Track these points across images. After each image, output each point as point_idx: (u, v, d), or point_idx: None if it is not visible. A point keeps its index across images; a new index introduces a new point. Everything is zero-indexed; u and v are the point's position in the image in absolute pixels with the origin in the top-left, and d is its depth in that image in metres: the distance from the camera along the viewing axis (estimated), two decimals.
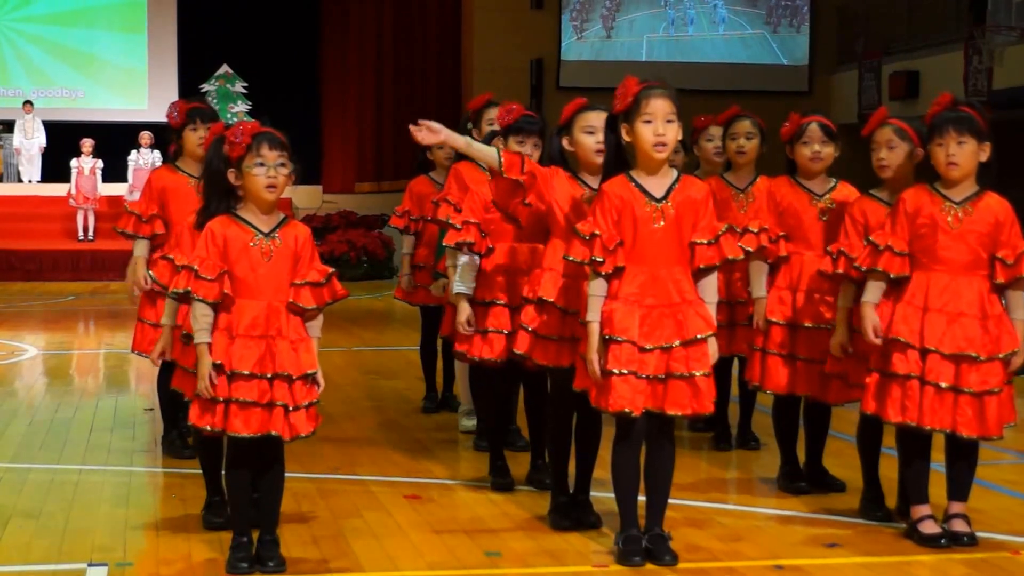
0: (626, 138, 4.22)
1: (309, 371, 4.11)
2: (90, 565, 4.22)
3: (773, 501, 5.16)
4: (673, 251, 4.19)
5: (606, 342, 4.14)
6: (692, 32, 19.56)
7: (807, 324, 4.97)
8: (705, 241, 4.20)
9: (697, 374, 4.15)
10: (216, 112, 5.74)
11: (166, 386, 5.58)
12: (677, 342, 4.14)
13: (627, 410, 4.11)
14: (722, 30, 19.54)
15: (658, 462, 4.27)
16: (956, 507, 4.49)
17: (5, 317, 12.51)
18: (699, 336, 4.16)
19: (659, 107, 4.15)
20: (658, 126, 4.15)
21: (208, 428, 4.09)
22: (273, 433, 4.08)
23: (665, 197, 4.19)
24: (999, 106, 13.89)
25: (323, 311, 4.19)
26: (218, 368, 4.07)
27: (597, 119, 4.50)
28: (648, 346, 4.13)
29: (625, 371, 4.11)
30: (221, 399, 4.06)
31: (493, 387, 5.35)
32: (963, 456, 4.48)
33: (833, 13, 19.56)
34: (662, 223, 4.17)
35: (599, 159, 4.48)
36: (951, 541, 4.44)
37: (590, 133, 4.53)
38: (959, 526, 4.46)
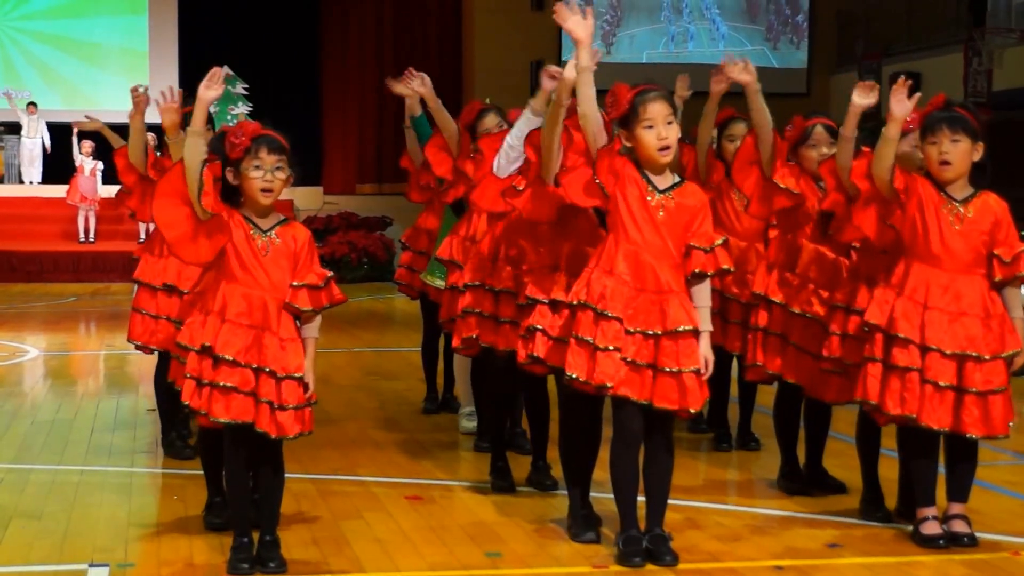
0: (626, 144, 4.22)
1: (295, 373, 4.10)
2: (91, 566, 4.23)
3: (773, 502, 5.16)
4: (667, 245, 4.22)
5: (596, 315, 4.15)
6: (692, 48, 19.58)
7: (795, 309, 4.98)
8: (702, 247, 4.23)
9: (685, 371, 4.16)
10: (211, 116, 5.76)
11: (164, 384, 5.59)
12: (659, 330, 4.16)
13: (608, 384, 4.12)
14: (722, 46, 19.57)
15: (657, 462, 4.27)
16: (956, 508, 4.50)
17: (6, 318, 12.52)
18: (681, 328, 4.17)
19: (658, 111, 4.17)
20: (660, 130, 4.18)
21: (200, 411, 4.08)
22: (257, 428, 4.07)
23: (667, 191, 4.23)
24: (999, 107, 13.94)
25: (320, 314, 4.20)
26: (206, 351, 4.08)
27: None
28: (631, 329, 4.15)
29: (610, 347, 4.13)
30: (207, 382, 4.07)
31: (495, 385, 5.32)
32: (963, 457, 4.49)
33: (832, 15, 19.59)
34: (661, 214, 4.20)
35: None
36: (951, 542, 4.44)
37: None
38: (959, 527, 4.47)
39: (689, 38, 19.57)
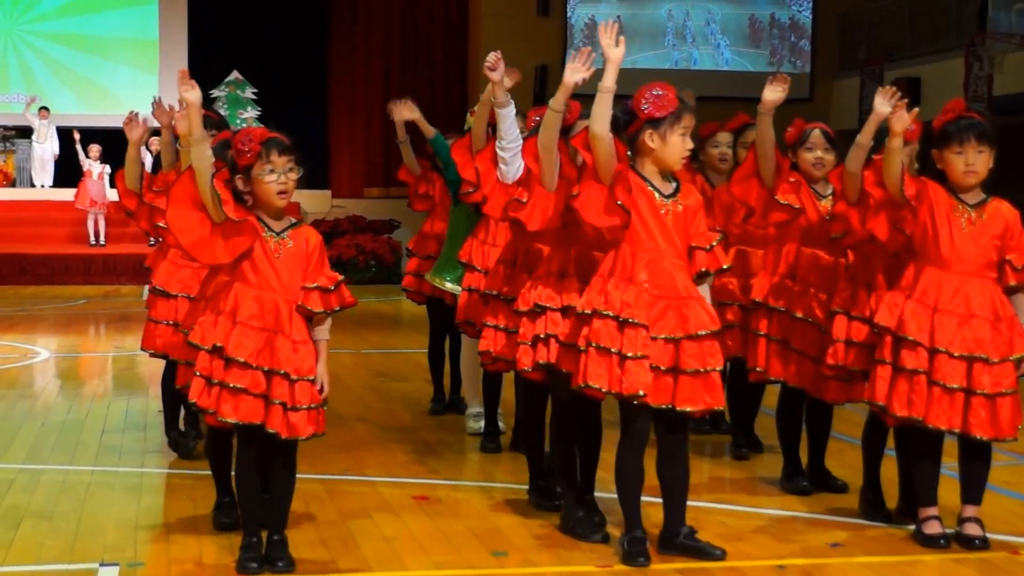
0: (650, 144, 4.26)
1: (308, 375, 4.14)
2: (102, 565, 4.27)
3: (776, 501, 5.21)
4: (676, 247, 4.28)
5: (619, 323, 4.17)
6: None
7: (798, 314, 5.03)
8: (703, 247, 4.30)
9: (710, 370, 4.21)
10: (224, 120, 5.78)
11: (170, 385, 5.66)
12: (681, 335, 4.20)
13: (641, 393, 4.15)
14: (726, 70, 19.66)
15: (677, 460, 4.32)
16: (969, 511, 4.53)
17: (18, 320, 12.59)
18: (703, 332, 4.22)
19: (692, 122, 4.28)
20: (688, 140, 4.27)
21: (208, 410, 4.11)
22: (268, 429, 4.11)
23: (672, 196, 4.29)
24: (1000, 112, 14.00)
25: (330, 316, 4.23)
26: (217, 351, 4.12)
27: None
28: (655, 335, 4.19)
29: (639, 355, 4.15)
30: (217, 381, 4.11)
31: (534, 397, 4.97)
32: (975, 459, 4.51)
33: (835, 20, 19.63)
34: (671, 220, 4.26)
35: None
36: (964, 544, 4.47)
37: None
38: (972, 530, 4.49)
39: (693, 63, 19.63)
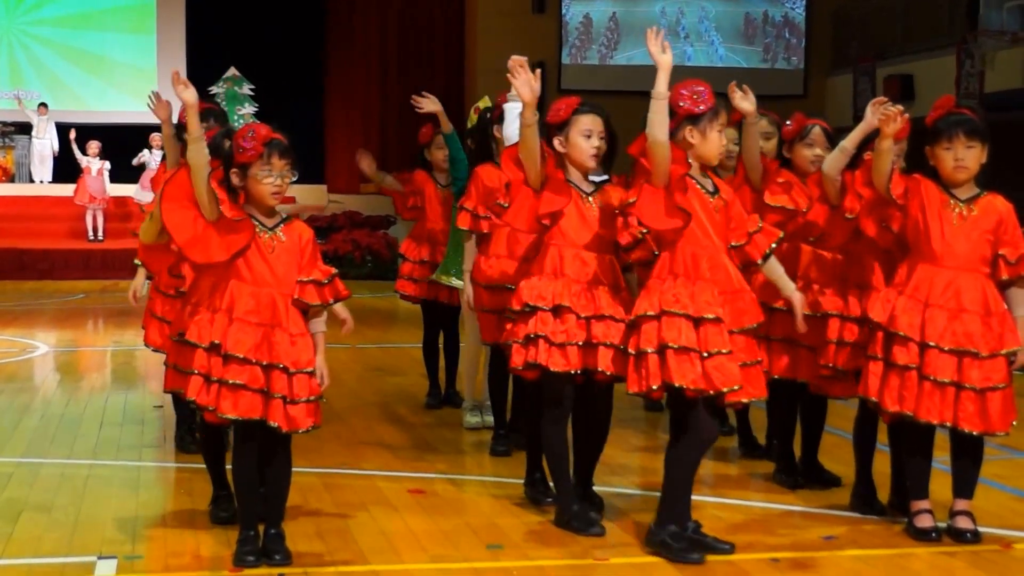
0: (690, 139, 4.28)
1: (307, 368, 4.17)
2: (100, 558, 4.29)
3: (769, 495, 5.23)
4: (726, 242, 4.34)
5: (695, 321, 4.18)
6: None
7: (807, 312, 5.05)
8: (741, 244, 4.38)
9: (756, 361, 4.29)
10: (224, 113, 5.80)
11: None
12: (735, 328, 4.24)
13: (736, 387, 4.17)
14: (720, 67, 19.72)
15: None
16: (960, 504, 4.56)
17: (17, 315, 12.60)
18: (754, 325, 4.29)
19: (726, 119, 4.33)
20: (723, 136, 4.32)
21: (207, 407, 4.12)
22: (270, 423, 4.13)
23: (716, 192, 4.34)
24: (990, 109, 14.03)
25: (326, 308, 4.27)
26: (215, 348, 4.13)
27: (593, 123, 4.55)
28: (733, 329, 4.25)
29: (725, 351, 4.18)
30: (215, 379, 4.12)
31: (533, 395, 4.96)
32: (967, 453, 4.54)
33: (828, 18, 19.68)
34: (717, 216, 4.31)
35: (593, 163, 4.58)
36: (955, 538, 4.51)
37: (587, 137, 4.55)
38: (963, 523, 4.53)
39: (687, 60, 19.67)
